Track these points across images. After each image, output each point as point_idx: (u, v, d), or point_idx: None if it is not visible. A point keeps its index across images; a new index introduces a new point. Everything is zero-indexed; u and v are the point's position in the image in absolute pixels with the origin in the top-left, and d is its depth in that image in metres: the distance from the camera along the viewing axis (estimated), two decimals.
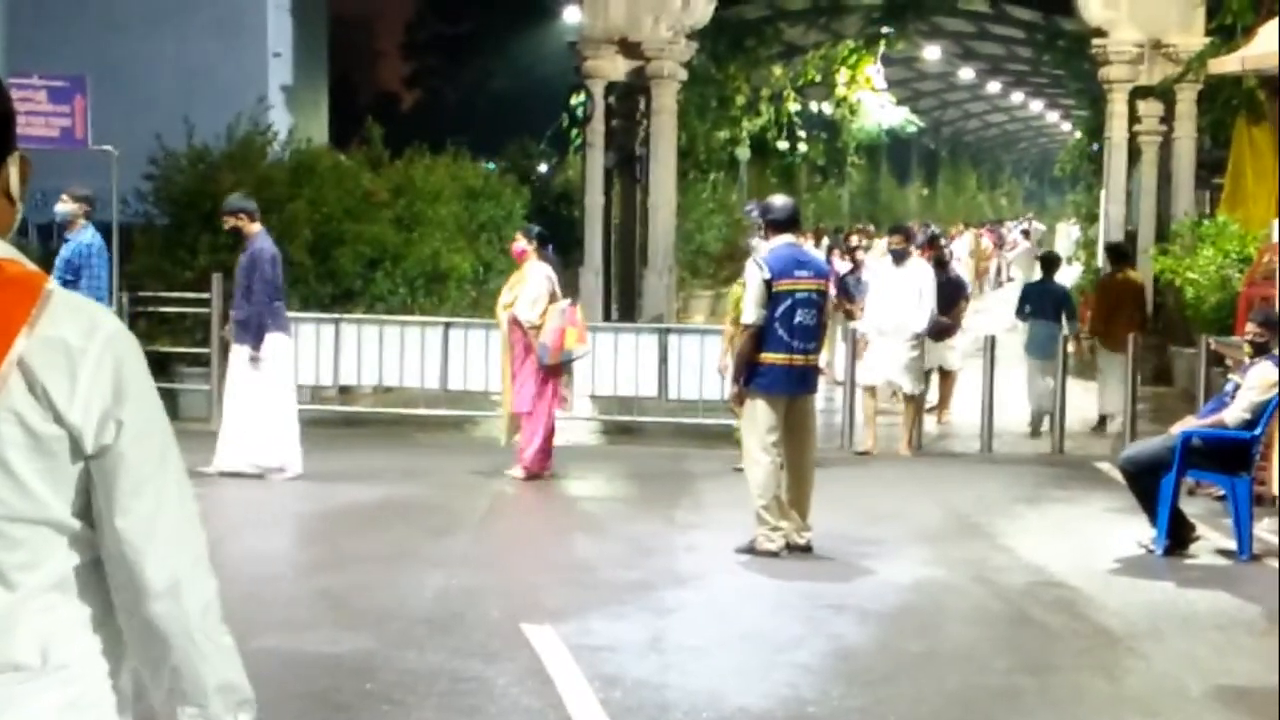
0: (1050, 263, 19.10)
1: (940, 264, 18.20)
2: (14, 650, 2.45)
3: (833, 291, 20.71)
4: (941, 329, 17.16)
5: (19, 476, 2.43)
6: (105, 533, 2.49)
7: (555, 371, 13.37)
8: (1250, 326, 11.52)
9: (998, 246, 49.31)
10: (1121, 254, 19.18)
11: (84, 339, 2.45)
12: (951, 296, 17.57)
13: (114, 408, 2.46)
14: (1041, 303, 17.96)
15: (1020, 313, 18.49)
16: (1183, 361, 19.86)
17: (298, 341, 16.32)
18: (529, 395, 13.30)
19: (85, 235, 14.11)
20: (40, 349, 2.42)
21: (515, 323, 13.34)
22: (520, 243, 13.72)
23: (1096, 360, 18.12)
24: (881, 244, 24.20)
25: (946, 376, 18.04)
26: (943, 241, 24.13)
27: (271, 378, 13.10)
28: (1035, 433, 17.22)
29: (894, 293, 15.71)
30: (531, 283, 13.36)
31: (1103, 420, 17.86)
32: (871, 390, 15.76)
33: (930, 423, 17.46)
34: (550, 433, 13.60)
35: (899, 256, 16.03)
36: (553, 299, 13.36)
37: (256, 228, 13.03)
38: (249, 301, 12.95)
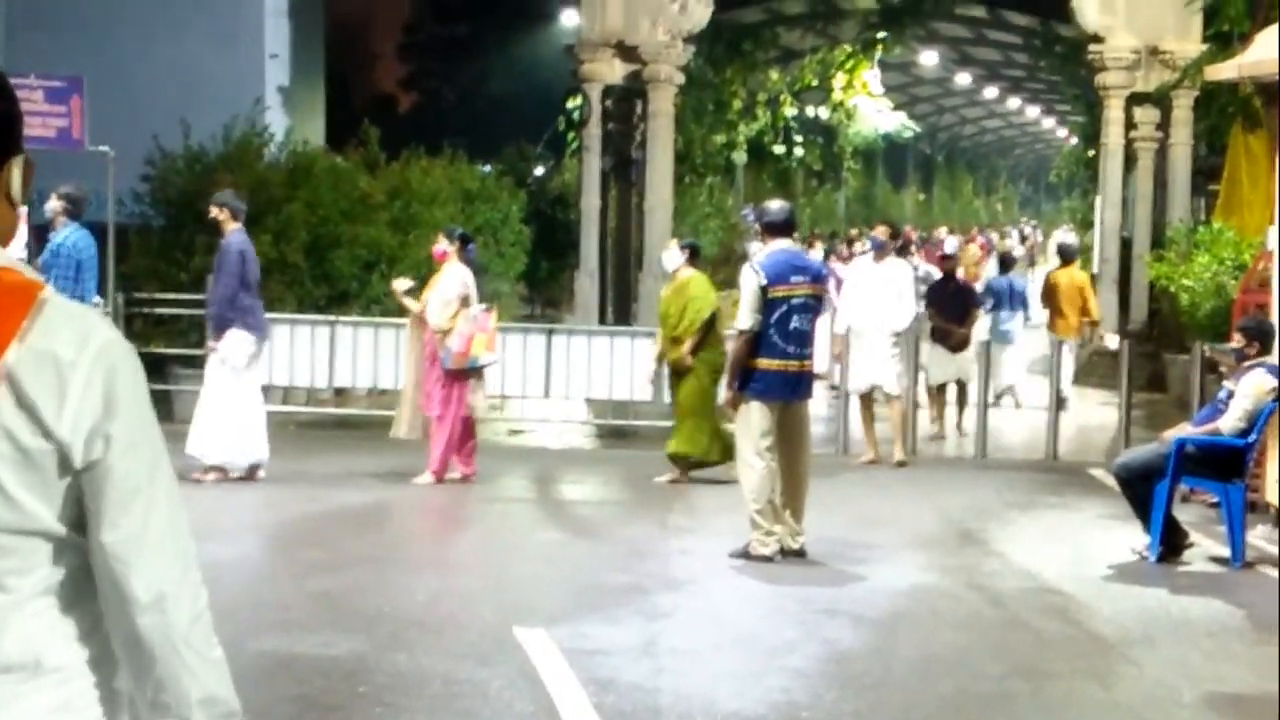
0: (1007, 260, 22.32)
1: (950, 275, 18.19)
2: (7, 652, 2.44)
3: (835, 296, 20.80)
4: (958, 340, 17.06)
5: (5, 489, 2.40)
6: (92, 545, 2.47)
7: (460, 376, 13.24)
8: (1236, 336, 11.54)
9: (988, 253, 49.25)
10: (1065, 254, 21.41)
11: (75, 351, 2.41)
12: (964, 306, 17.46)
13: (103, 422, 2.42)
14: (1001, 295, 20.15)
15: (982, 304, 20.16)
16: (1177, 368, 19.88)
17: (293, 343, 16.37)
18: (437, 399, 13.22)
19: (59, 236, 13.83)
20: (30, 361, 2.39)
21: (426, 323, 13.23)
22: (442, 244, 13.47)
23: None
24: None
25: (963, 388, 17.63)
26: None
27: (230, 374, 13.03)
28: (997, 402, 18.09)
29: (872, 291, 15.31)
30: (445, 286, 13.19)
31: (1062, 402, 18.96)
32: (866, 398, 15.45)
33: (929, 428, 17.48)
34: (467, 435, 13.44)
35: (879, 249, 15.67)
36: (466, 304, 13.16)
37: (234, 225, 13.04)
38: (215, 295, 13.04)
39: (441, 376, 13.15)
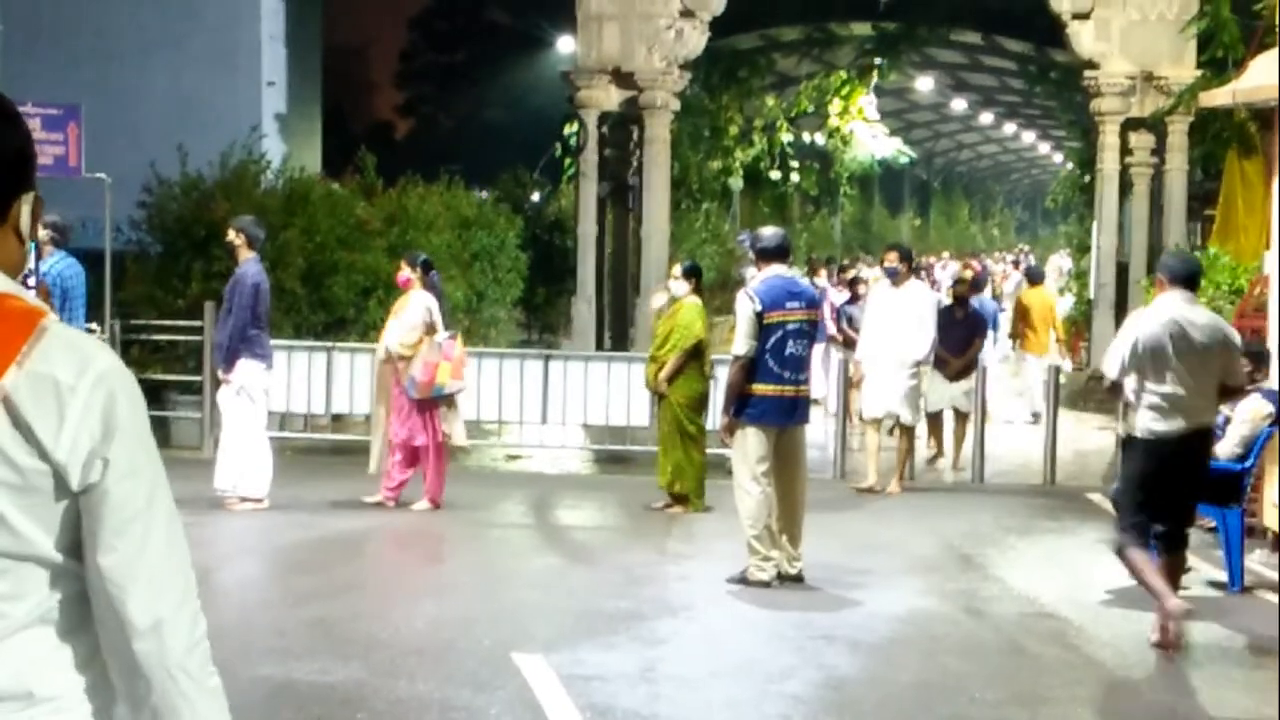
0: (979, 281, 23.76)
1: (960, 301, 17.72)
2: (2, 680, 2.44)
3: (831, 327, 20.66)
4: (954, 370, 16.76)
5: (1, 512, 2.42)
6: (90, 570, 2.48)
7: (430, 404, 13.19)
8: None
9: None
10: (1033, 276, 23.79)
11: (74, 377, 2.43)
12: (969, 334, 17.17)
13: (101, 446, 2.44)
14: None
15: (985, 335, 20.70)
16: None
17: (290, 370, 16.37)
18: (415, 427, 13.18)
19: (45, 264, 13.72)
20: (28, 385, 2.41)
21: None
22: (405, 271, 13.42)
23: (1019, 363, 22.56)
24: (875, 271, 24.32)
25: (960, 419, 17.24)
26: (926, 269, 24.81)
27: (240, 404, 13.04)
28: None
29: (891, 318, 15.00)
30: (408, 313, 13.18)
31: (1035, 417, 19.86)
32: (875, 424, 15.20)
33: (926, 451, 17.43)
34: (415, 461, 13.36)
35: (894, 276, 15.26)
36: (431, 331, 13.12)
37: (249, 254, 13.02)
38: (226, 324, 13.00)
39: (413, 405, 13.14)
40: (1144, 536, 9.33)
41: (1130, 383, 9.18)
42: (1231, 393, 9.70)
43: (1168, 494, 9.30)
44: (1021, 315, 22.06)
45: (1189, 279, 9.38)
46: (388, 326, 13.40)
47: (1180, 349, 9.07)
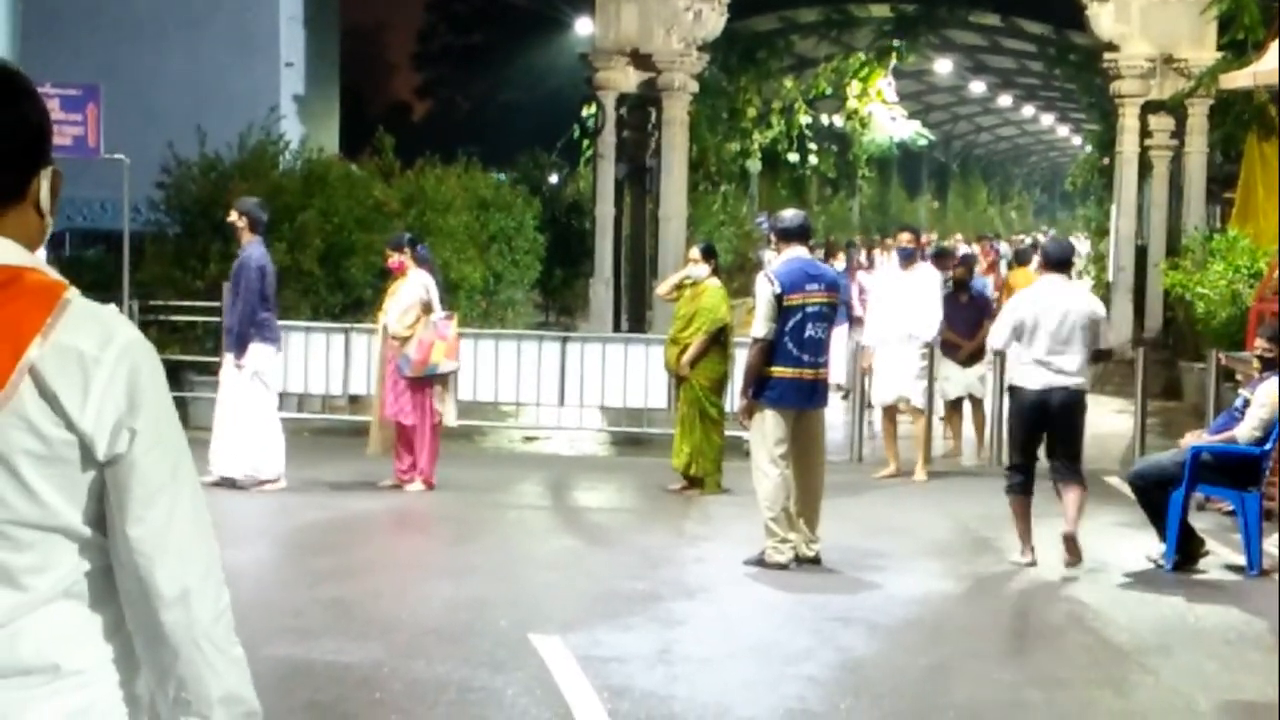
0: (969, 263, 22.65)
1: (960, 285, 17.38)
2: (25, 654, 2.46)
3: (859, 308, 20.36)
4: (970, 354, 16.57)
5: (28, 483, 2.44)
6: (117, 541, 2.50)
7: (424, 383, 13.20)
8: (1260, 342, 11.52)
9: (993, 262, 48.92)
10: (1021, 257, 24.67)
11: (99, 348, 2.46)
12: (977, 317, 16.75)
13: (127, 416, 2.47)
14: None
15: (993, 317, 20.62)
16: (1192, 376, 19.85)
17: (308, 351, 16.39)
18: (406, 407, 13.21)
19: None
20: (53, 357, 2.44)
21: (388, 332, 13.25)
22: (394, 257, 13.41)
23: None
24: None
25: (977, 405, 16.87)
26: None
27: (254, 388, 13.04)
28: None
29: (900, 300, 14.96)
30: (405, 293, 13.19)
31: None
32: (890, 410, 15.11)
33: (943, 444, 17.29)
34: (429, 441, 13.38)
35: (907, 256, 15.23)
36: (428, 310, 13.12)
37: (251, 236, 12.98)
38: (235, 310, 12.98)
39: (407, 384, 13.15)
40: (1027, 478, 10.99)
41: (1013, 350, 10.96)
42: (1104, 355, 11.58)
43: (1048, 440, 10.99)
44: (1008, 295, 21.98)
45: (1063, 263, 11.22)
46: (385, 308, 13.41)
47: (1052, 323, 10.70)
